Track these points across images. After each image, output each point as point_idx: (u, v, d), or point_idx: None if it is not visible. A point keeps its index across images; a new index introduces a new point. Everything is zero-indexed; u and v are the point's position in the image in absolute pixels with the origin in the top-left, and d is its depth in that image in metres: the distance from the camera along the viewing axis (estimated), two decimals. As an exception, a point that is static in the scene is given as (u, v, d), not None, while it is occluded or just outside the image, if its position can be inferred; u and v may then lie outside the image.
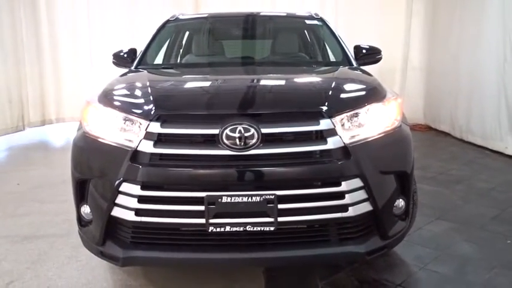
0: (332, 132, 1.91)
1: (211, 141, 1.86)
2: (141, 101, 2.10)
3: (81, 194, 2.09)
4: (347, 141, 1.92)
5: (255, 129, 1.84)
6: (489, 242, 2.84)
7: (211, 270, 2.43)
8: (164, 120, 1.92)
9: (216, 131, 1.85)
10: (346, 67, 2.92)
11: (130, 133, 1.95)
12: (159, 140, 1.90)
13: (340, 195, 1.89)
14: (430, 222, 3.18)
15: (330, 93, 2.12)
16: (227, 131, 1.84)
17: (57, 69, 7.27)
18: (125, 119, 1.99)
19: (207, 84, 2.56)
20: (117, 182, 1.89)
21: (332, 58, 3.26)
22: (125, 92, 2.33)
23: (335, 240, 1.98)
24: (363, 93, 2.28)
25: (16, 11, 6.72)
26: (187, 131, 1.91)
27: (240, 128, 1.83)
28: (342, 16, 7.14)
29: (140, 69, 2.92)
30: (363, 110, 2.04)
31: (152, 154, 1.88)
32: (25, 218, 3.32)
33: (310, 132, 1.91)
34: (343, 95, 2.15)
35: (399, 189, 2.12)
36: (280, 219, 1.85)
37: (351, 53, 3.20)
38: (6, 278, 2.44)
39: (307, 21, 3.65)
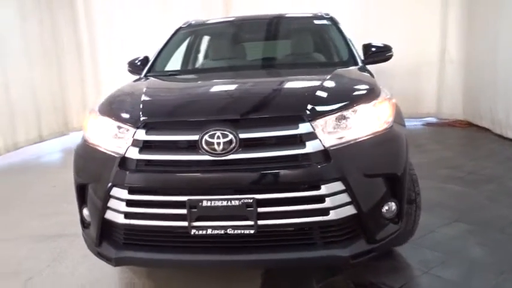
0: (311, 136, 1.90)
1: (192, 147, 1.92)
2: (133, 109, 2.19)
3: (81, 197, 2.23)
4: (328, 144, 1.91)
5: (233, 134, 1.88)
6: (504, 246, 2.70)
7: (198, 271, 2.51)
8: (150, 128, 2.01)
9: (196, 137, 1.91)
10: (348, 67, 2.88)
11: (121, 140, 2.05)
12: (145, 146, 1.99)
13: (320, 198, 1.89)
14: (446, 224, 3.07)
15: (313, 96, 2.11)
16: (206, 136, 1.89)
17: (96, 75, 7.64)
18: (118, 127, 2.10)
19: (196, 91, 2.62)
20: (108, 187, 2.00)
21: (337, 58, 3.22)
22: (121, 100, 2.44)
23: (318, 243, 1.97)
24: (350, 94, 2.24)
25: (57, 20, 7.14)
26: (170, 138, 1.99)
27: (218, 133, 1.88)
28: (375, 9, 6.98)
29: (149, 77, 3.04)
30: (348, 112, 2.03)
31: (138, 160, 1.98)
32: (52, 218, 3.55)
33: (289, 136, 1.92)
34: (327, 98, 2.13)
35: (390, 192, 2.08)
36: (260, 222, 1.88)
37: (358, 52, 3.14)
38: (26, 274, 2.64)
39: (316, 22, 3.62)
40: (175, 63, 3.51)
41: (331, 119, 1.98)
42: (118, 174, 1.98)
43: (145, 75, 3.12)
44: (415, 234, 2.57)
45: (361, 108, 2.07)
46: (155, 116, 2.09)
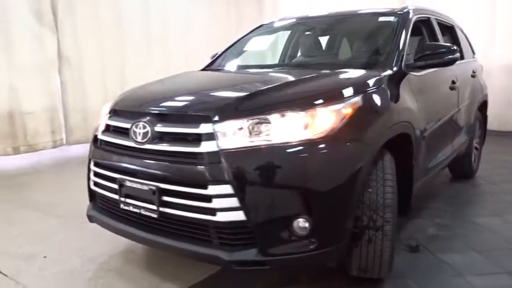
0: (209, 136, 1.95)
1: (126, 133, 2.22)
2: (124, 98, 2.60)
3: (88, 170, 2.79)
4: (224, 146, 1.92)
5: (150, 126, 2.10)
6: None
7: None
8: (113, 114, 2.40)
9: (128, 125, 2.20)
10: (348, 70, 2.62)
11: (102, 123, 2.51)
12: (106, 129, 2.40)
13: (208, 198, 1.94)
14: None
15: (234, 98, 2.10)
16: (133, 126, 2.17)
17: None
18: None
19: (167, 86, 2.78)
20: (88, 159, 2.51)
21: (369, 59, 2.88)
22: (130, 91, 2.85)
23: (213, 241, 2.02)
24: (281, 100, 2.08)
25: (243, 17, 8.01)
26: (117, 123, 2.33)
27: (140, 124, 2.13)
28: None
29: (200, 71, 3.40)
30: (265, 118, 1.96)
31: (100, 140, 2.41)
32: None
33: (189, 134, 2.01)
34: (251, 101, 2.07)
35: (302, 207, 1.93)
36: (161, 209, 2.07)
37: (403, 53, 2.76)
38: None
39: (381, 19, 3.24)
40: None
41: (243, 123, 1.96)
42: (91, 150, 2.47)
43: (202, 69, 3.49)
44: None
45: (285, 114, 1.97)
46: (118, 105, 2.46)
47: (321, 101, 2.05)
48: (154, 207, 2.09)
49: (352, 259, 2.24)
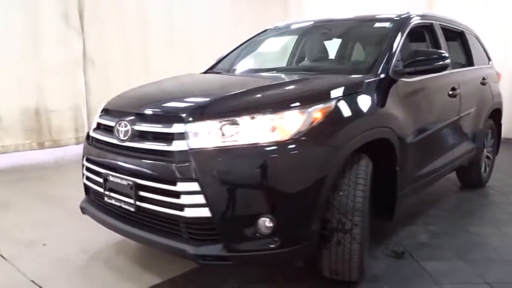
0: (181, 136, 2.06)
1: (111, 131, 2.37)
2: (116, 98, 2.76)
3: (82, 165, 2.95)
4: (193, 146, 2.03)
5: (130, 125, 2.23)
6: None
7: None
8: (104, 113, 2.56)
9: (113, 124, 2.35)
10: (329, 76, 2.69)
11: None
12: (97, 127, 2.56)
13: (177, 194, 2.04)
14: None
15: (208, 101, 2.20)
16: (117, 124, 2.31)
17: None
18: None
19: (154, 87, 2.89)
20: (82, 155, 2.68)
21: (358, 66, 2.92)
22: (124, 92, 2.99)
23: (183, 236, 2.12)
24: (252, 103, 2.17)
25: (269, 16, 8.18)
26: (105, 122, 2.48)
27: (122, 123, 2.27)
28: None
29: (199, 74, 3.53)
30: (233, 120, 2.05)
31: (91, 136, 2.57)
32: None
33: (163, 133, 2.13)
34: (222, 104, 2.16)
35: (265, 207, 2.00)
36: (138, 203, 2.20)
37: (393, 59, 2.77)
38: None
39: (377, 25, 3.25)
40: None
41: (213, 124, 2.06)
42: (84, 146, 2.64)
43: (203, 72, 3.62)
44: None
45: (252, 118, 2.05)
46: (109, 105, 2.61)
47: (289, 104, 2.12)
48: (132, 201, 2.22)
49: (323, 261, 2.30)
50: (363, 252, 2.29)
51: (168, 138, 2.11)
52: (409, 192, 2.95)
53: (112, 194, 2.35)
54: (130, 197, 2.23)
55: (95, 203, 2.61)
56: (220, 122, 2.06)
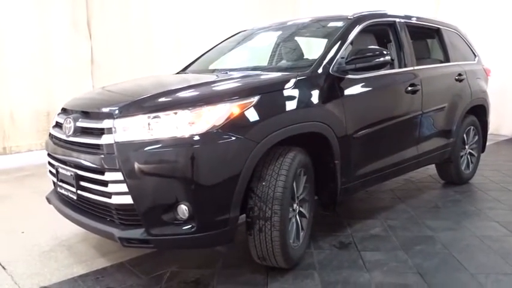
0: (109, 130, 2.27)
1: (62, 127, 2.63)
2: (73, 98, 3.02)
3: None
4: (119, 139, 2.23)
5: (73, 122, 2.47)
6: None
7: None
8: (61, 112, 2.82)
9: (62, 120, 2.61)
10: (259, 73, 2.85)
11: None
12: (55, 125, 2.82)
13: (105, 183, 2.26)
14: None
15: (137, 99, 2.39)
16: (65, 121, 2.56)
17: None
18: None
19: (111, 87, 3.07)
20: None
21: (296, 64, 3.03)
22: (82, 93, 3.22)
23: (115, 221, 2.34)
24: (175, 100, 2.37)
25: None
26: (58, 120, 2.74)
27: (68, 120, 2.52)
28: None
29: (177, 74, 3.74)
30: (156, 116, 2.23)
31: (50, 133, 2.84)
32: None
33: (96, 128, 2.35)
34: (148, 101, 2.34)
35: (182, 195, 2.18)
36: (79, 192, 2.44)
37: (336, 57, 2.89)
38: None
39: (331, 24, 3.35)
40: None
41: (137, 119, 2.24)
42: (46, 142, 2.90)
43: (177, 73, 3.83)
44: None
45: (175, 113, 2.23)
46: (66, 104, 2.85)
47: (208, 100, 2.29)
48: (74, 189, 2.47)
49: (250, 247, 2.45)
50: (286, 240, 2.41)
51: (99, 132, 2.34)
52: (357, 185, 3.04)
53: (62, 184, 2.61)
54: (73, 186, 2.47)
55: (56, 193, 2.88)
56: (145, 118, 2.25)
